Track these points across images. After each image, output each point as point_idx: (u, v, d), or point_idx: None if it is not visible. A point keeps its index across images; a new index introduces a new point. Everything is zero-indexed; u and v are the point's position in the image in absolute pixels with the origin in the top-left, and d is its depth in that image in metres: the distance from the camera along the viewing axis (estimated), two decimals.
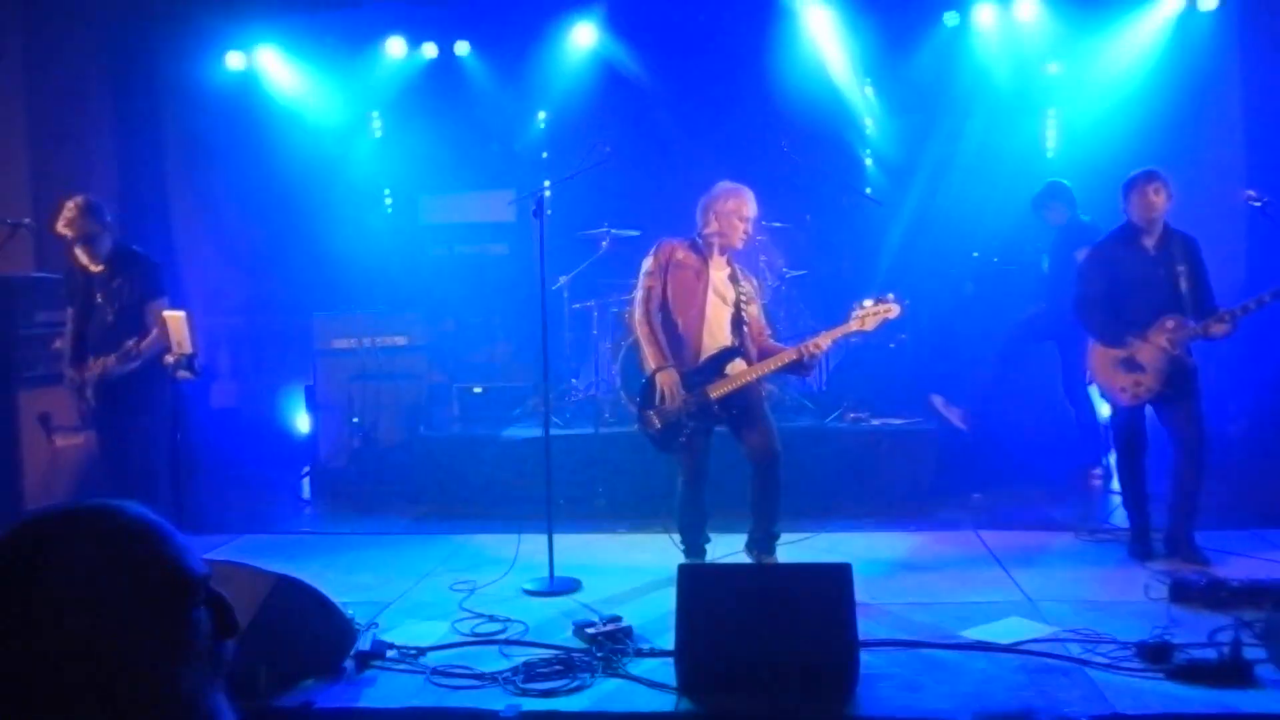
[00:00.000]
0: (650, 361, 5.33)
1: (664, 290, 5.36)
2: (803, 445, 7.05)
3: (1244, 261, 7.24)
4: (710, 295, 5.34)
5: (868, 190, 8.71)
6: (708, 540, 5.61)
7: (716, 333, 5.35)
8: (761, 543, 5.46)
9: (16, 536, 1.24)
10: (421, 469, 7.62)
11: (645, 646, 4.47)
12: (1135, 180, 5.42)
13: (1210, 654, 4.01)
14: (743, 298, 5.39)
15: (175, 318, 5.47)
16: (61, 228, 5.71)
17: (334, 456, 8.12)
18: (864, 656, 4.12)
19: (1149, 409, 5.56)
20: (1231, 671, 3.89)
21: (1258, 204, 5.09)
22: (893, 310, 5.18)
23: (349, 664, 4.32)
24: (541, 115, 9.47)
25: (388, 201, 9.73)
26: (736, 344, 5.34)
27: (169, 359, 5.38)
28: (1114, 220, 5.65)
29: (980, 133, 8.29)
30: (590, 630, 4.54)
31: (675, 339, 5.34)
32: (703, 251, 5.39)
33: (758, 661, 3.97)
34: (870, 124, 9.00)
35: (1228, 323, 5.23)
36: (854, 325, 5.21)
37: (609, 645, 4.43)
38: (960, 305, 8.36)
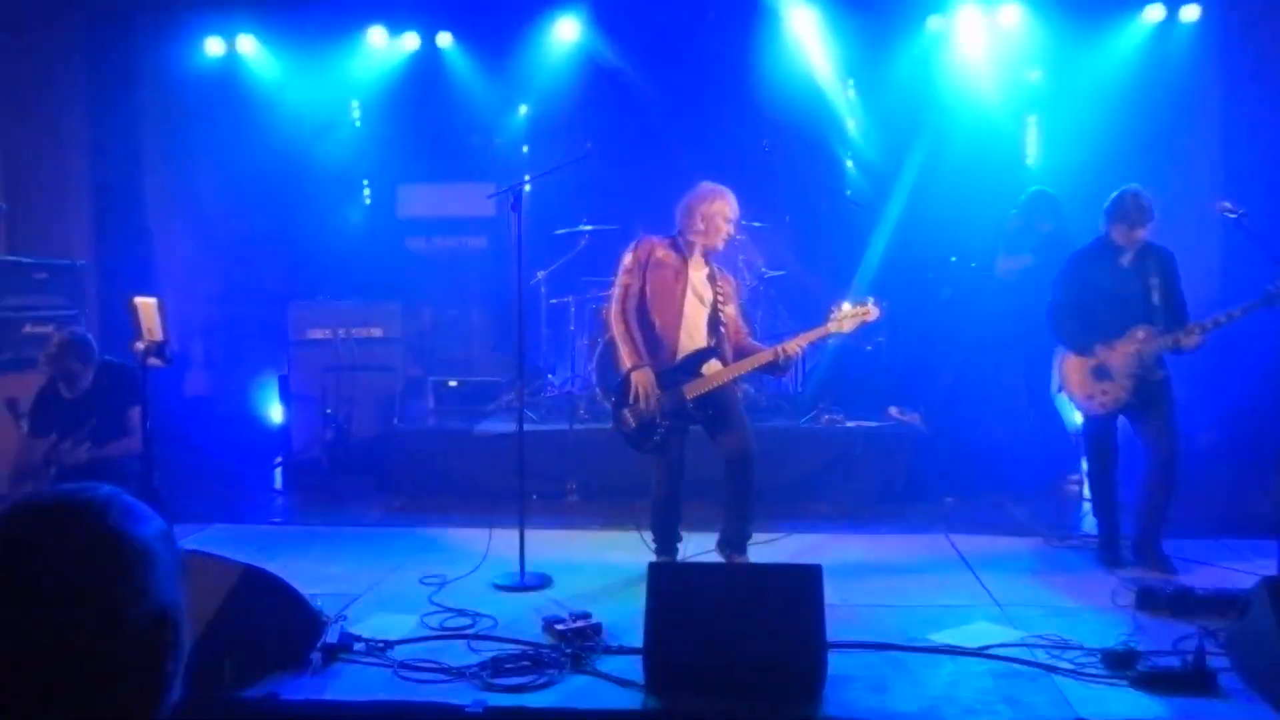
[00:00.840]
0: (626, 360, 5.32)
1: (642, 288, 5.35)
2: (778, 446, 7.07)
3: (1219, 273, 7.30)
4: (689, 295, 5.34)
5: (848, 192, 8.73)
6: (680, 539, 5.60)
7: (694, 332, 5.35)
8: (734, 542, 5.47)
9: None
10: (395, 462, 7.59)
11: (614, 644, 4.46)
12: (1118, 215, 5.43)
13: (1174, 662, 4.03)
14: (720, 297, 5.38)
15: (146, 304, 5.42)
16: (47, 364, 5.82)
17: (307, 448, 8.08)
18: (832, 658, 4.13)
19: (1122, 419, 5.59)
20: (1195, 680, 3.91)
21: (1233, 215, 5.12)
22: (870, 313, 5.19)
23: (316, 656, 4.30)
24: (523, 109, 9.42)
25: (366, 193, 9.66)
26: (713, 344, 5.34)
27: (139, 345, 5.34)
28: (1093, 231, 5.67)
29: (961, 138, 8.32)
30: (559, 626, 4.53)
31: (652, 338, 5.33)
32: (683, 251, 5.39)
33: (726, 661, 3.97)
34: (852, 125, 9.00)
35: (1197, 335, 5.27)
36: (831, 327, 5.23)
37: (578, 642, 4.42)
38: (937, 309, 8.39)
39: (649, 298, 5.34)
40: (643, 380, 5.22)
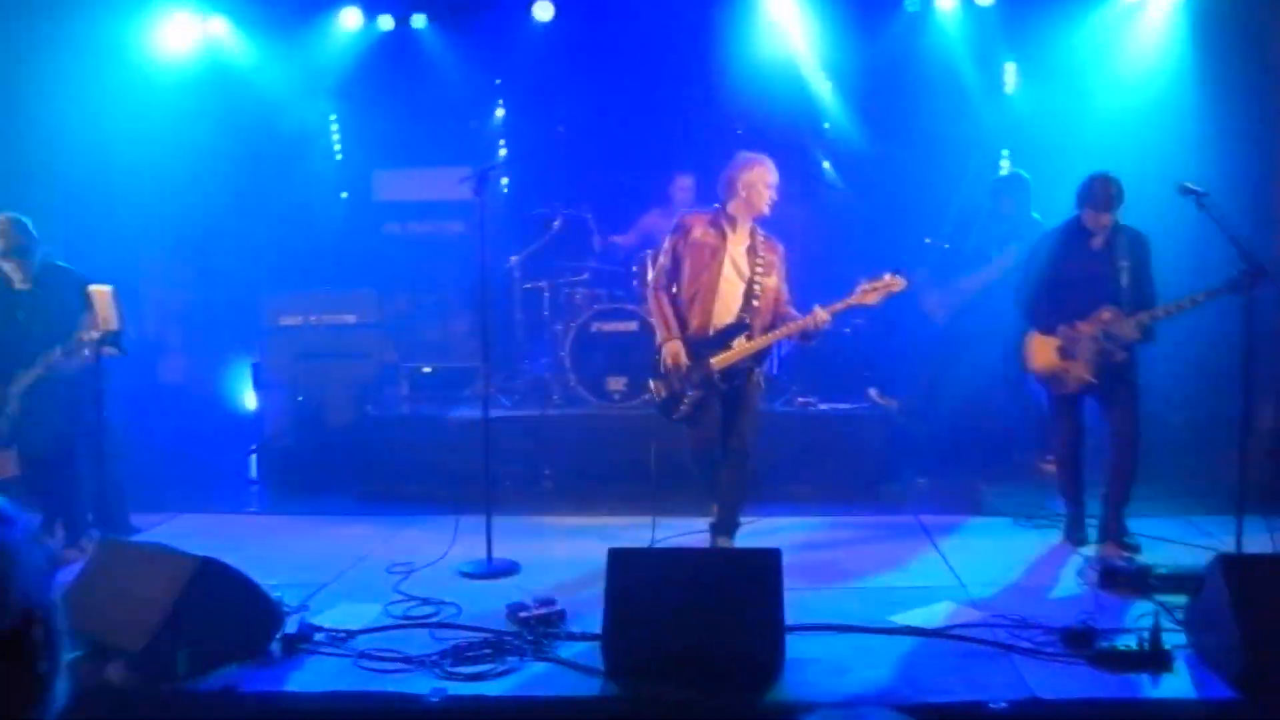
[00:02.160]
0: (659, 334, 5.49)
1: (676, 265, 5.47)
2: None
3: (1190, 256, 7.27)
4: (725, 269, 5.41)
5: (823, 175, 8.68)
6: (714, 513, 5.61)
7: (729, 305, 5.41)
8: (723, 527, 5.54)
9: None
10: (368, 449, 7.56)
11: (578, 630, 4.46)
12: (1089, 199, 5.44)
13: (1131, 640, 4.04)
14: (759, 269, 5.42)
15: (101, 293, 5.38)
16: None
17: (280, 435, 8.04)
18: (793, 641, 4.14)
19: (1089, 400, 5.60)
20: (1151, 658, 3.93)
21: (1194, 195, 5.09)
22: (897, 284, 5.25)
23: (275, 647, 4.28)
24: (497, 82, 9.37)
25: (343, 194, 9.61)
26: (745, 318, 5.39)
27: (93, 334, 5.30)
28: (1063, 216, 5.66)
29: (937, 119, 8.27)
30: (523, 614, 4.54)
31: (688, 312, 5.43)
32: (722, 225, 5.45)
33: (685, 646, 3.97)
34: (827, 101, 8.96)
35: (1160, 318, 5.31)
36: (857, 299, 5.29)
37: (540, 629, 4.43)
38: (914, 291, 8.34)
39: (685, 273, 5.45)
40: (671, 351, 5.37)
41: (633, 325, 7.54)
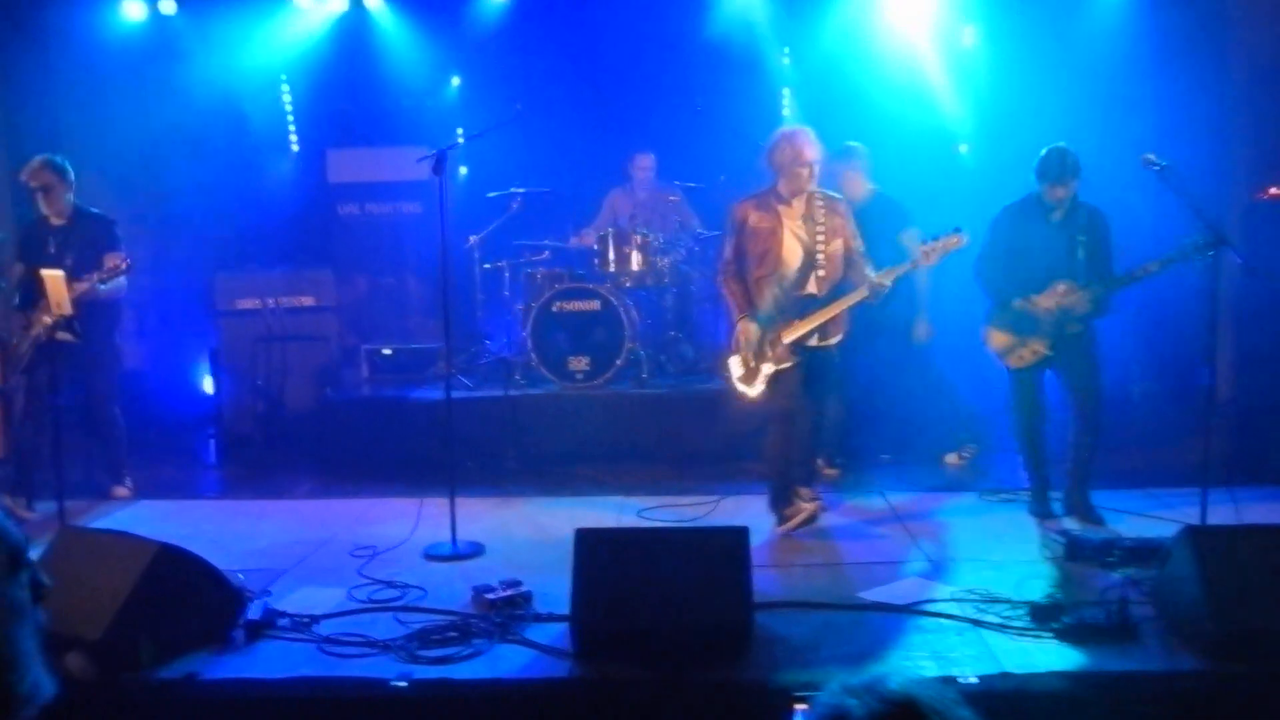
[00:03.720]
0: (733, 314, 5.63)
1: (740, 255, 5.55)
2: (715, 408, 7.05)
3: (1149, 228, 7.33)
4: (786, 245, 5.45)
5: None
6: (791, 488, 5.59)
7: (797, 278, 5.44)
8: (804, 478, 5.70)
9: None
10: (328, 433, 7.47)
11: (545, 611, 4.42)
12: (1045, 174, 5.45)
13: (1098, 613, 4.06)
14: (820, 237, 5.42)
15: (54, 278, 5.27)
16: (28, 179, 6.31)
17: (239, 420, 7.92)
18: (761, 619, 4.14)
19: (1049, 373, 5.63)
20: (1118, 630, 3.96)
21: (1156, 168, 5.12)
22: (953, 241, 5.24)
23: (238, 634, 4.22)
24: (455, 77, 9.25)
25: (295, 153, 9.43)
26: (813, 288, 5.42)
27: (47, 320, 5.20)
28: (1027, 187, 5.66)
29: (895, 100, 8.26)
30: (489, 596, 4.49)
31: (759, 292, 5.49)
32: (774, 204, 5.48)
33: (653, 626, 3.96)
34: (787, 79, 8.93)
35: (1114, 289, 5.37)
36: (920, 261, 5.30)
37: (507, 611, 4.39)
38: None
39: (749, 255, 5.52)
40: (743, 329, 5.49)
41: (594, 304, 7.49)
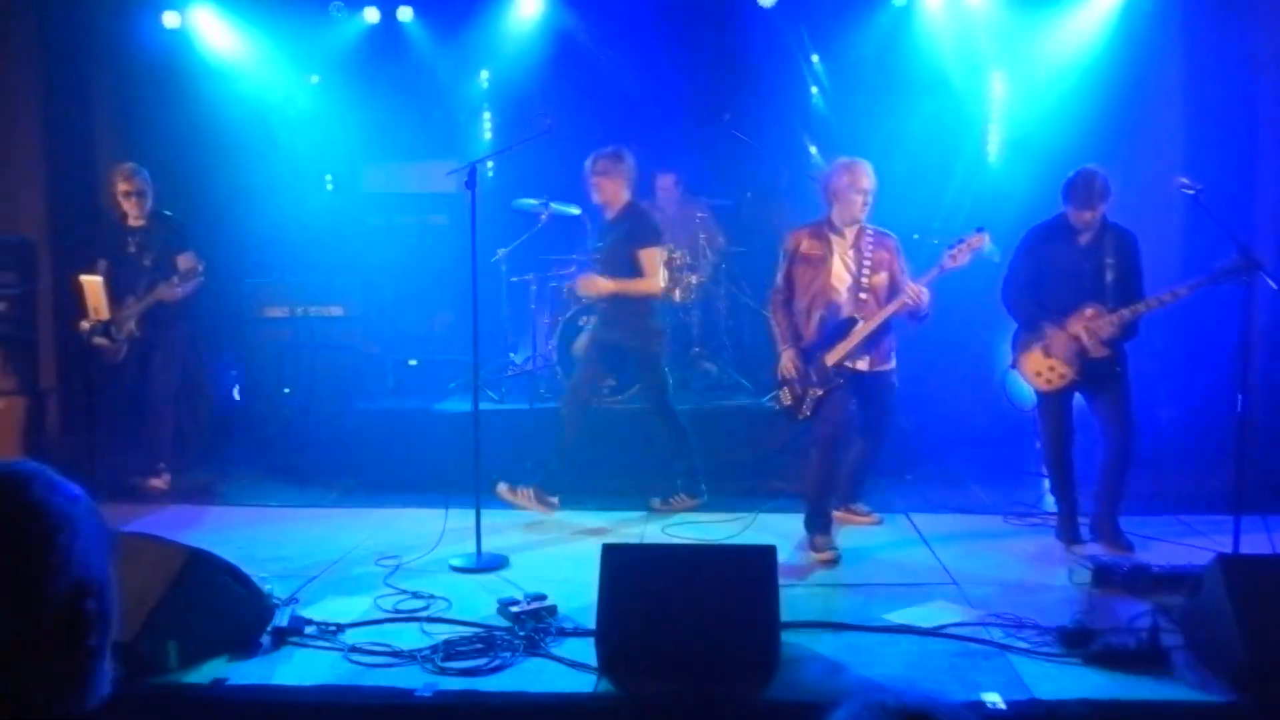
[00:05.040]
0: (778, 345, 5.74)
1: (790, 282, 5.69)
2: (738, 424, 7.05)
3: (1179, 251, 7.29)
4: (834, 273, 5.59)
5: (812, 149, 8.61)
6: (831, 514, 5.73)
7: (842, 306, 5.56)
8: (852, 497, 6.11)
9: None
10: (353, 441, 7.48)
11: (570, 625, 4.43)
12: (1072, 195, 5.42)
13: (1128, 640, 4.03)
14: (866, 268, 5.54)
15: (92, 283, 5.33)
16: (120, 182, 6.82)
17: (265, 426, 7.95)
18: (786, 639, 4.12)
19: (1079, 398, 5.59)
20: (1148, 658, 3.92)
21: (1190, 191, 5.10)
22: (977, 240, 5.35)
23: (265, 640, 4.24)
24: (484, 75, 9.30)
25: (328, 181, 9.51)
26: (856, 315, 5.52)
27: (85, 325, 5.25)
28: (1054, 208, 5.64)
29: (923, 114, 8.27)
30: (514, 608, 4.49)
31: (806, 320, 5.63)
32: (827, 234, 5.63)
33: (679, 643, 3.94)
34: (816, 97, 8.94)
35: (1142, 313, 5.32)
36: (947, 264, 5.39)
37: (532, 624, 4.39)
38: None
39: (798, 283, 5.66)
40: (787, 358, 5.64)
41: None
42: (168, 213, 7.00)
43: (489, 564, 5.32)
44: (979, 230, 5.35)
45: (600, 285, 6.29)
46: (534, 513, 6.19)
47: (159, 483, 6.87)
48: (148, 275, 6.71)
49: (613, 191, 6.31)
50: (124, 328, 6.59)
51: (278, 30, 8.64)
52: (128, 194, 6.81)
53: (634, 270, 6.24)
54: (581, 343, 6.88)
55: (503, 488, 6.20)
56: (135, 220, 6.85)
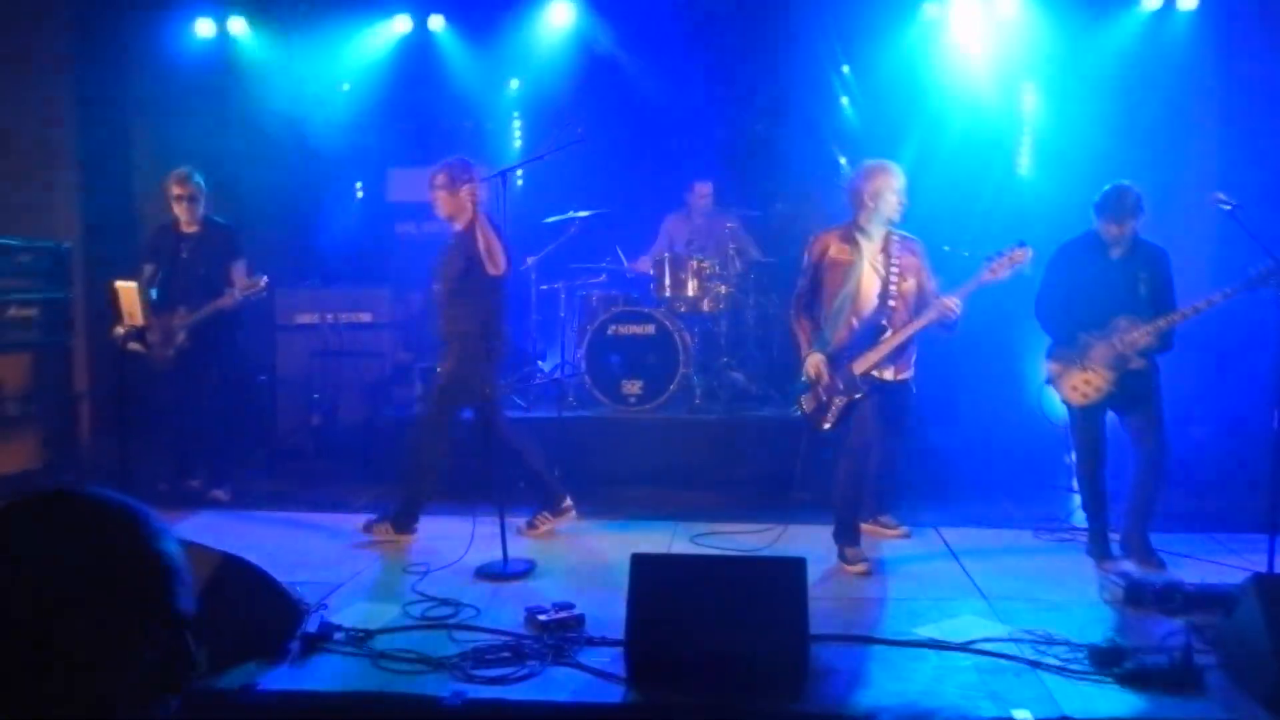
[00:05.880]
0: (801, 350, 5.63)
1: (815, 286, 5.61)
2: (767, 436, 7.04)
3: (1211, 265, 7.24)
4: (863, 279, 5.53)
5: (842, 160, 8.59)
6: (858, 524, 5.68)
7: (869, 313, 5.50)
8: (881, 508, 6.09)
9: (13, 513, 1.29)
10: (381, 448, 7.52)
11: (597, 635, 4.41)
12: (1104, 210, 5.40)
13: (1161, 659, 3.98)
14: (894, 274, 5.48)
15: (127, 289, 5.38)
16: (174, 186, 6.75)
17: (294, 433, 8.01)
18: (815, 650, 4.10)
19: (1111, 414, 5.55)
20: (1181, 677, 3.87)
21: (1227, 207, 5.06)
22: (1019, 254, 5.26)
23: (294, 645, 4.25)
24: (514, 83, 9.34)
25: (358, 188, 9.57)
26: (884, 322, 5.46)
27: (119, 330, 5.30)
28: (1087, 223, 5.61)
29: (956, 125, 8.24)
30: (542, 617, 4.49)
31: (832, 325, 5.55)
32: (856, 238, 5.55)
33: (708, 654, 3.93)
34: (847, 110, 8.93)
35: (1176, 322, 5.28)
36: (986, 277, 5.31)
37: (559, 633, 4.39)
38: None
39: (825, 288, 5.58)
40: (812, 363, 5.52)
41: (649, 328, 7.51)
42: (220, 219, 6.99)
43: (516, 571, 5.33)
44: (1021, 244, 5.25)
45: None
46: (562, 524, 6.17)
47: (220, 494, 6.88)
48: (201, 283, 6.70)
49: (456, 205, 5.99)
50: (175, 338, 6.60)
51: (310, 38, 8.71)
52: (180, 198, 6.78)
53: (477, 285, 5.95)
54: None
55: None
56: (188, 226, 6.83)
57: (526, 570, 5.37)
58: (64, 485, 1.35)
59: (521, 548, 5.55)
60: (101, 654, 1.24)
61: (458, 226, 6.03)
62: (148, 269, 6.76)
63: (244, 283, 6.65)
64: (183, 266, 6.74)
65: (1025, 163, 8.51)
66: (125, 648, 1.26)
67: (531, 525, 6.15)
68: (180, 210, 6.79)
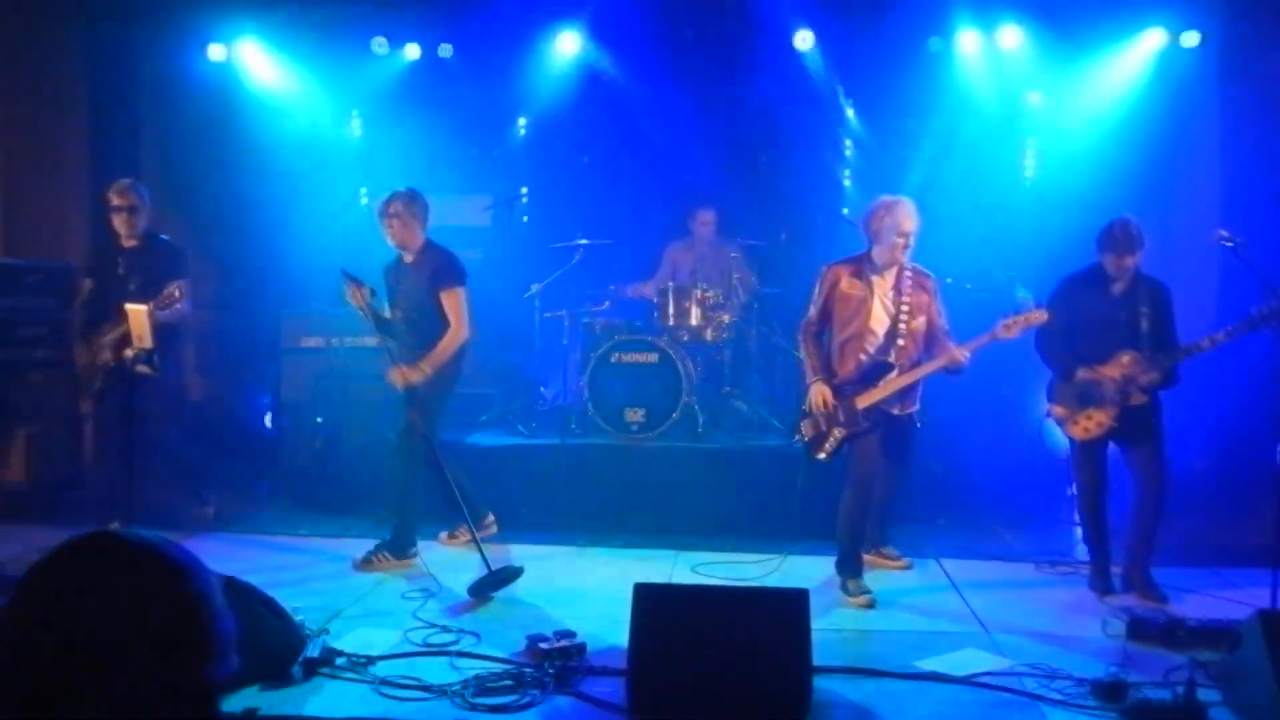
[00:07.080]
0: (807, 377, 5.64)
1: (823, 314, 5.63)
2: (768, 466, 7.03)
3: (1215, 301, 7.26)
4: (872, 314, 5.54)
5: (844, 211, 8.68)
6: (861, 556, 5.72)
7: (878, 348, 5.52)
8: (879, 540, 6.11)
9: (74, 554, 1.33)
10: (384, 472, 7.50)
11: (598, 664, 4.42)
12: (1106, 244, 5.45)
13: (1164, 695, 3.98)
14: (904, 311, 5.49)
15: (136, 312, 5.40)
16: (113, 197, 6.42)
17: (297, 456, 8.01)
18: (817, 683, 4.09)
19: (1112, 446, 5.56)
20: (1185, 713, 3.86)
21: (1230, 244, 5.09)
22: (1035, 316, 5.28)
23: (296, 670, 4.25)
24: (521, 122, 9.41)
25: (364, 201, 9.60)
26: (892, 358, 5.47)
27: (129, 353, 5.32)
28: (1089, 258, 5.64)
29: (959, 159, 8.29)
30: (543, 645, 4.49)
31: (839, 356, 5.58)
32: (867, 272, 5.57)
33: (709, 684, 3.92)
34: (849, 144, 9.00)
35: (1180, 359, 5.30)
36: (1000, 333, 5.33)
37: (561, 661, 4.38)
38: None
39: (835, 318, 5.61)
40: (818, 392, 5.53)
41: (652, 357, 7.51)
42: (165, 237, 6.65)
43: (517, 599, 5.32)
44: (1039, 306, 5.29)
45: (413, 376, 6.06)
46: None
47: (207, 510, 6.93)
48: (131, 300, 6.20)
49: (406, 234, 6.12)
50: (99, 356, 6.28)
51: (320, 64, 8.78)
52: (119, 209, 6.44)
53: (438, 314, 6.08)
54: None
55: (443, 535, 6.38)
56: (128, 240, 6.49)
57: (528, 598, 5.37)
58: (112, 533, 1.37)
59: (526, 575, 5.53)
60: (127, 714, 1.26)
61: (408, 258, 6.17)
62: (86, 284, 6.57)
63: (163, 294, 6.10)
64: (117, 282, 6.38)
65: (1028, 196, 8.55)
66: (150, 712, 1.28)
67: (453, 535, 6.44)
68: (119, 223, 6.47)
